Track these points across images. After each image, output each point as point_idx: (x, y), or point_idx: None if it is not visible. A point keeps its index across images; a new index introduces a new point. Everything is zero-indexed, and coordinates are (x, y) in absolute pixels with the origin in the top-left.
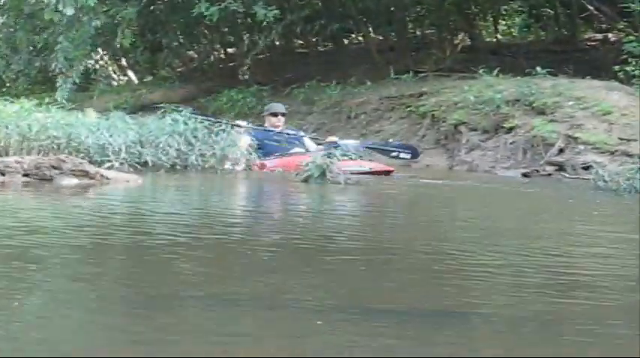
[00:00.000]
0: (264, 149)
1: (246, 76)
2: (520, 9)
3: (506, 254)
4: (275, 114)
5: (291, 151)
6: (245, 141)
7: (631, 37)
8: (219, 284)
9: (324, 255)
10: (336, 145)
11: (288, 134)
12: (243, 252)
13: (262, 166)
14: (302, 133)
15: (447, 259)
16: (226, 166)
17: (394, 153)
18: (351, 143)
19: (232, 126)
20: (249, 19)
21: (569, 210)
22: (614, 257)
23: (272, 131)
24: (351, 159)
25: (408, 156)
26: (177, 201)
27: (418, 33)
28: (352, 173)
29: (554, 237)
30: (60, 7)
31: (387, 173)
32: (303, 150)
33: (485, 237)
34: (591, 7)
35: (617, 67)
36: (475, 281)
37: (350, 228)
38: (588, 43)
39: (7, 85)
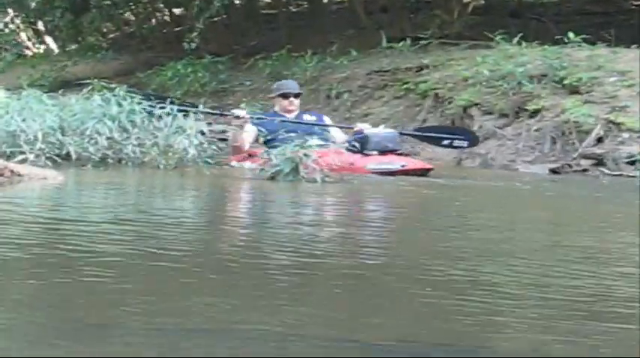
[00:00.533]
0: (273, 142)
1: (194, 44)
2: None
3: (525, 274)
4: (286, 96)
5: (306, 144)
6: (250, 132)
7: None
8: (160, 310)
9: (288, 272)
10: (361, 136)
11: (305, 122)
12: (188, 270)
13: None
14: (327, 120)
15: (447, 280)
16: (246, 165)
17: (446, 141)
18: (384, 132)
19: (232, 116)
20: None
21: (609, 216)
22: None
23: (283, 118)
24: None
25: (465, 143)
26: (108, 204)
27: None
28: (380, 172)
29: (587, 253)
30: None
31: (425, 172)
32: (321, 142)
33: (499, 252)
34: None
35: None
36: (485, 309)
37: (323, 239)
38: (635, 2)
39: None
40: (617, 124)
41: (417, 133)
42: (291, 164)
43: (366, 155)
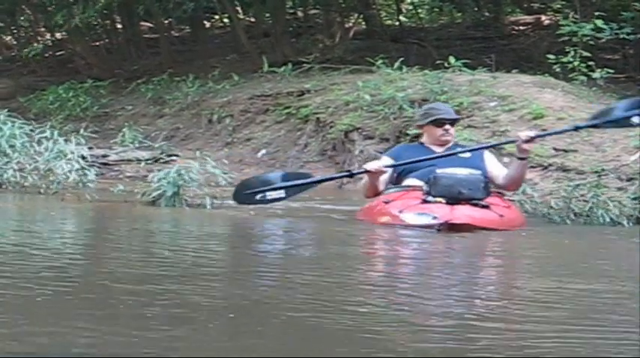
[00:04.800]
0: (407, 176)
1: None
2: None
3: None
4: (440, 124)
5: (404, 183)
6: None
7: (570, 20)
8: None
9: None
10: (433, 175)
11: (456, 154)
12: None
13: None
14: (487, 151)
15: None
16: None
17: (636, 118)
18: (464, 173)
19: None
20: None
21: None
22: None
23: (429, 153)
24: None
25: None
26: None
27: (300, 14)
28: (416, 226)
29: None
30: None
31: (461, 227)
32: (420, 183)
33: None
34: None
35: (551, 58)
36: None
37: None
38: (516, 28)
39: None
40: (498, 149)
41: (595, 122)
42: (173, 187)
43: (426, 202)
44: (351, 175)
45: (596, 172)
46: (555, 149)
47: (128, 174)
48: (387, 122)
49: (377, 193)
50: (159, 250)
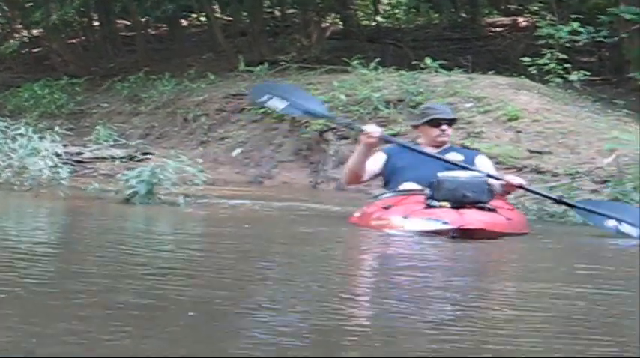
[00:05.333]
0: (398, 179)
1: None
2: None
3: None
4: (436, 124)
5: (401, 187)
6: (376, 161)
7: (546, 22)
8: None
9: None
10: (434, 180)
11: (447, 161)
12: None
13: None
14: (480, 160)
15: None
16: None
17: (611, 223)
18: (466, 176)
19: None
20: None
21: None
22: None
23: (422, 151)
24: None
25: (635, 231)
26: None
27: (277, 13)
28: (423, 233)
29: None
30: None
31: (474, 233)
32: (419, 186)
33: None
34: None
35: (527, 60)
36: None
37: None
38: (492, 29)
39: None
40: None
41: (578, 205)
42: (147, 186)
43: (430, 206)
44: (351, 128)
45: (570, 174)
46: (530, 151)
47: (102, 172)
48: (363, 122)
49: (359, 179)
50: (126, 248)
